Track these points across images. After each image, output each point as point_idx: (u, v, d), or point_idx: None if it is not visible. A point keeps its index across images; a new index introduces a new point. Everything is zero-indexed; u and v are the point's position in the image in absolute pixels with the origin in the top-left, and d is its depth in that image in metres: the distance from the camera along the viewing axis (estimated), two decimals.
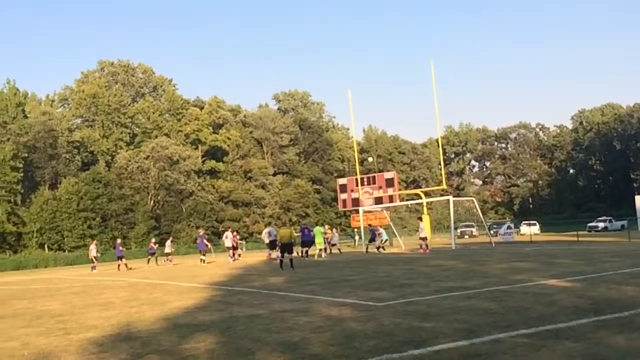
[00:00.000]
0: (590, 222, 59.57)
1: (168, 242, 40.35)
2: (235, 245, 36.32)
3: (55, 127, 71.51)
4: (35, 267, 53.06)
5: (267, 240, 33.03)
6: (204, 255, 34.79)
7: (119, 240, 39.45)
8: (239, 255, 37.51)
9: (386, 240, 37.30)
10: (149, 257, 40.08)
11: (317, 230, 34.53)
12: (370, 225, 40.57)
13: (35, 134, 67.70)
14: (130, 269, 33.70)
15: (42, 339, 9.16)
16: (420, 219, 37.06)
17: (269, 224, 43.84)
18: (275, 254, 31.08)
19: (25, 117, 71.15)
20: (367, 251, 35.53)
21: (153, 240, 43.83)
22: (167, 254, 38.79)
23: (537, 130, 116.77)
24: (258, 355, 7.04)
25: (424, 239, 33.30)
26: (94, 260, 35.50)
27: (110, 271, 32.75)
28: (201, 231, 41.08)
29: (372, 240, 36.28)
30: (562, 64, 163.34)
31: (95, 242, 39.68)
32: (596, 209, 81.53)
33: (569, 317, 8.31)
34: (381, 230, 38.50)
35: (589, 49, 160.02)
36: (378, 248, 35.53)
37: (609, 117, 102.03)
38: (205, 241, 35.67)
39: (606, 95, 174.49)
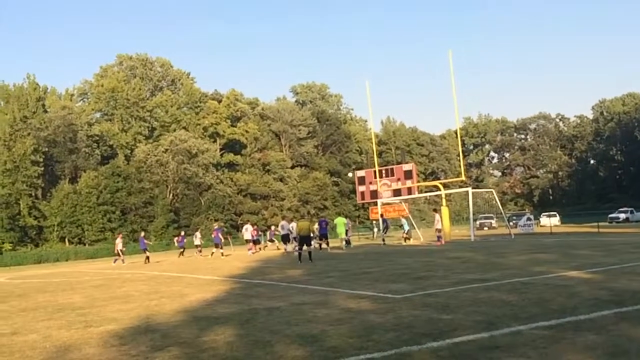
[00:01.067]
0: (612, 213, 59.04)
1: (197, 234, 40.56)
2: (255, 238, 36.45)
3: (75, 121, 72.05)
4: (56, 260, 53.57)
5: (282, 233, 33.23)
6: (221, 248, 35.02)
7: (143, 234, 39.65)
8: (264, 247, 37.94)
9: (408, 231, 37.27)
10: (182, 250, 40.21)
11: (340, 221, 34.52)
12: (382, 216, 40.64)
13: (55, 128, 68.25)
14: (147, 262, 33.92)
15: (64, 331, 9.25)
16: (436, 210, 36.99)
17: (284, 217, 44.00)
18: (291, 247, 31.30)
19: (45, 111, 71.73)
20: (384, 243, 35.62)
21: (182, 233, 43.91)
22: (197, 246, 38.94)
23: (557, 120, 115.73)
24: (277, 347, 7.05)
25: (439, 230, 33.22)
26: (121, 253, 35.51)
27: (132, 264, 32.91)
28: (216, 225, 41.25)
29: (385, 229, 36.67)
30: (582, 54, 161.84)
31: (121, 235, 39.75)
32: (617, 200, 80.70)
33: (590, 309, 8.24)
34: (402, 220, 38.60)
35: (609, 38, 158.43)
36: (383, 240, 36.21)
37: (630, 107, 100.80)
38: (220, 235, 35.85)
39: (627, 85, 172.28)
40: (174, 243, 46.16)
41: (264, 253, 34.45)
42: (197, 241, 39.39)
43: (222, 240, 36.08)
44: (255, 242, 36.44)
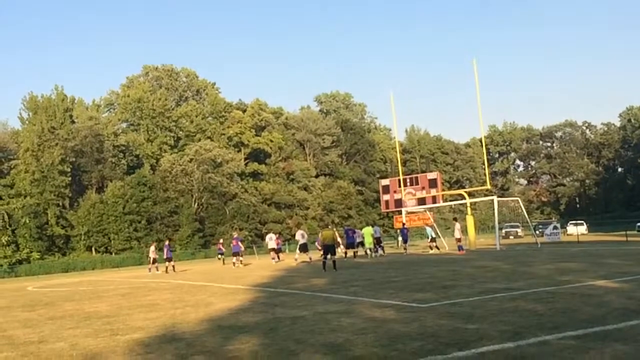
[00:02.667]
0: None
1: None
2: (278, 247, 36.46)
3: (102, 131, 72.95)
4: (83, 269, 54.18)
5: (300, 242, 33.24)
6: (241, 256, 35.10)
7: (167, 242, 38.93)
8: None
9: (433, 239, 37.16)
10: (220, 257, 39.96)
11: (367, 231, 34.61)
12: (403, 224, 40.56)
13: (82, 138, 69.05)
14: (171, 270, 33.89)
15: (90, 339, 9.32)
16: (456, 219, 36.95)
17: (299, 226, 44.18)
18: (304, 257, 31.46)
19: (73, 122, 72.57)
20: (406, 252, 35.59)
21: (221, 241, 43.75)
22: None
23: (584, 128, 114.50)
24: (301, 356, 7.04)
25: (459, 240, 33.17)
26: (155, 261, 35.64)
27: (158, 273, 33.08)
28: (235, 234, 41.16)
29: (405, 240, 36.70)
30: (609, 60, 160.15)
31: (154, 243, 39.75)
32: None
33: (618, 318, 8.12)
34: (427, 229, 38.49)
35: (636, 45, 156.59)
36: (405, 249, 36.46)
37: None
38: (240, 243, 35.96)
39: None
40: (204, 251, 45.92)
41: (287, 262, 34.42)
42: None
43: (242, 249, 36.16)
44: (278, 250, 36.45)
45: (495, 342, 7.07)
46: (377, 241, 34.88)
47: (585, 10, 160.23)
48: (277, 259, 34.89)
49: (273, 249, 35.64)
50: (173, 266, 34.38)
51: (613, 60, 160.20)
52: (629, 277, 13.58)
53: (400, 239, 39.93)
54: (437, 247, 36.18)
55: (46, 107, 69.01)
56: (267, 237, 37.16)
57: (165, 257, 35.60)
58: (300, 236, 33.77)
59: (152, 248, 36.87)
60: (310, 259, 31.79)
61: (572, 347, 6.60)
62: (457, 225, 34.40)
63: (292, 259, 33.99)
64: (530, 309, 9.49)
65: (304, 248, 32.65)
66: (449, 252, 34.13)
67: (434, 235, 37.59)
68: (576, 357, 6.15)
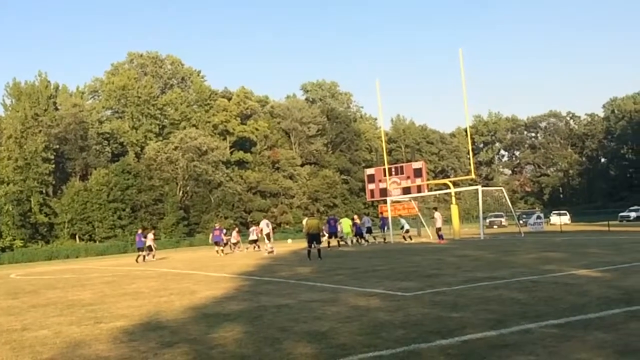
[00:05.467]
0: (622, 211, 58.71)
1: (234, 233, 38.87)
2: (257, 237, 35.81)
3: (86, 118, 72.41)
4: (67, 257, 53.82)
5: (265, 231, 32.87)
6: (222, 246, 35.05)
7: (140, 231, 37.65)
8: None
9: (407, 230, 37.48)
10: (230, 246, 39.84)
11: (345, 221, 34.95)
12: (381, 214, 40.89)
13: (66, 125, 68.48)
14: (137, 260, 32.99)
15: (74, 327, 9.30)
16: (436, 209, 37.52)
17: (265, 216, 44.53)
18: (263, 246, 31.41)
19: (57, 109, 71.99)
20: (384, 241, 35.78)
21: (217, 225, 43.04)
22: (235, 244, 37.74)
23: (568, 119, 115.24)
24: (286, 344, 7.06)
25: (439, 229, 33.59)
26: (152, 249, 34.64)
27: (154, 261, 32.59)
28: (217, 224, 40.77)
29: (382, 229, 37.36)
30: (593, 51, 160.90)
31: (153, 231, 38.98)
32: (628, 198, 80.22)
33: (600, 307, 8.21)
34: (402, 220, 38.91)
35: (620, 36, 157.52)
36: (385, 239, 37.04)
37: None
38: (222, 234, 35.83)
39: (638, 83, 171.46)
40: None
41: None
42: (233, 239, 38.11)
43: (224, 240, 36.18)
44: (255, 241, 36.00)
45: (479, 330, 7.12)
46: (368, 230, 35.76)
47: (570, 2, 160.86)
48: (257, 248, 34.85)
49: (268, 234, 34.87)
50: (144, 256, 33.06)
51: (597, 51, 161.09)
52: (610, 266, 13.71)
53: (385, 228, 40.12)
54: (410, 238, 36.52)
55: (29, 93, 68.40)
56: (262, 223, 36.08)
57: (137, 246, 34.67)
58: (265, 225, 33.48)
59: (150, 235, 36.08)
60: (272, 248, 31.04)
61: (554, 335, 6.66)
62: (438, 215, 34.89)
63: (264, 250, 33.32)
64: (513, 298, 9.57)
65: (268, 237, 32.48)
66: (430, 242, 34.32)
67: (407, 227, 37.93)
68: (558, 345, 6.21)
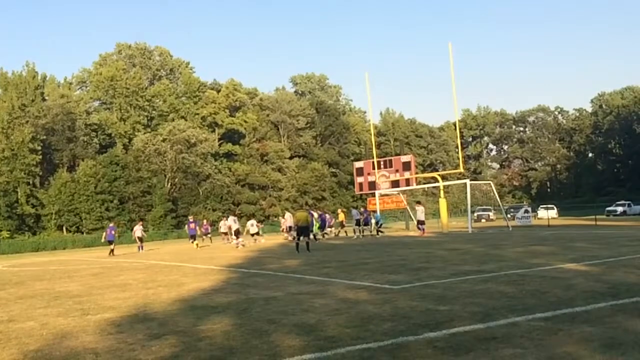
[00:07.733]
0: (609, 206, 59.12)
1: (253, 221, 36.37)
2: (238, 230, 35.51)
3: (74, 109, 71.98)
4: (54, 248, 53.53)
5: (234, 227, 33.26)
6: (195, 239, 34.97)
7: (111, 224, 36.60)
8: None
9: (381, 224, 38.15)
10: (206, 237, 39.56)
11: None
12: (365, 208, 40.92)
13: (53, 116, 68.08)
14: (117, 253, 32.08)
15: (61, 319, 9.25)
16: (419, 202, 37.97)
17: (233, 213, 45.11)
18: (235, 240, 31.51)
19: (44, 99, 71.54)
20: (362, 235, 35.51)
21: (191, 219, 42.20)
22: (256, 234, 35.15)
23: (556, 113, 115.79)
24: (274, 336, 7.06)
25: (422, 222, 33.95)
26: (139, 240, 34.17)
27: (128, 254, 32.51)
28: (191, 217, 40.00)
29: (366, 223, 37.03)
30: (581, 47, 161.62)
31: (141, 222, 38.39)
32: (615, 193, 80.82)
33: (587, 301, 8.26)
34: (377, 215, 39.41)
35: (609, 31, 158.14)
36: (378, 232, 37.12)
37: (629, 100, 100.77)
38: (197, 227, 36.05)
39: (626, 78, 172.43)
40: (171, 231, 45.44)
41: (259, 243, 34.15)
42: (251, 230, 35.26)
43: (198, 233, 36.30)
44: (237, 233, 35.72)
45: (466, 323, 7.14)
46: (357, 223, 35.96)
47: None
48: (228, 241, 35.56)
49: (254, 234, 34.76)
50: (112, 250, 31.89)
51: (585, 46, 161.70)
52: (597, 260, 13.80)
53: (373, 221, 40.24)
54: (381, 232, 37.00)
55: (17, 83, 67.92)
56: (249, 223, 35.87)
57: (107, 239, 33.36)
58: (232, 221, 34.06)
59: (138, 227, 35.56)
60: (242, 243, 30.97)
61: (541, 328, 6.69)
62: (421, 208, 35.21)
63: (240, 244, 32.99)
64: (501, 291, 9.60)
65: (237, 233, 32.62)
66: (420, 235, 34.39)
67: (381, 222, 38.78)
68: (545, 338, 6.24)
